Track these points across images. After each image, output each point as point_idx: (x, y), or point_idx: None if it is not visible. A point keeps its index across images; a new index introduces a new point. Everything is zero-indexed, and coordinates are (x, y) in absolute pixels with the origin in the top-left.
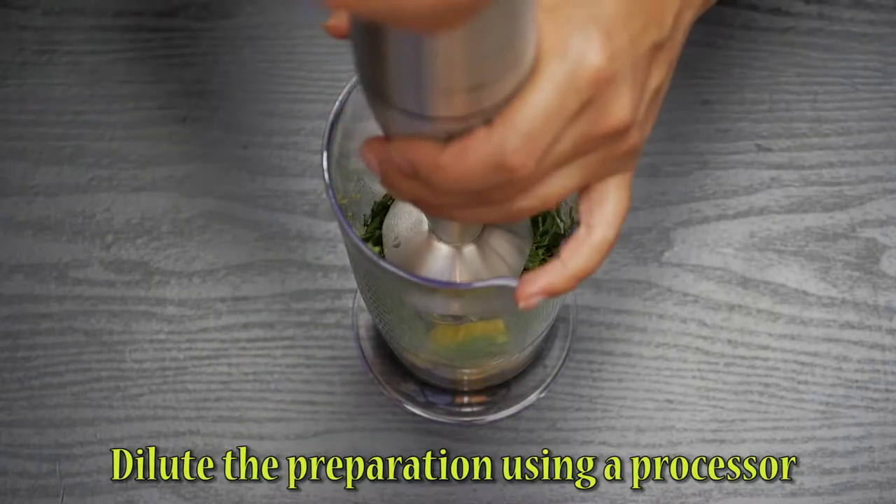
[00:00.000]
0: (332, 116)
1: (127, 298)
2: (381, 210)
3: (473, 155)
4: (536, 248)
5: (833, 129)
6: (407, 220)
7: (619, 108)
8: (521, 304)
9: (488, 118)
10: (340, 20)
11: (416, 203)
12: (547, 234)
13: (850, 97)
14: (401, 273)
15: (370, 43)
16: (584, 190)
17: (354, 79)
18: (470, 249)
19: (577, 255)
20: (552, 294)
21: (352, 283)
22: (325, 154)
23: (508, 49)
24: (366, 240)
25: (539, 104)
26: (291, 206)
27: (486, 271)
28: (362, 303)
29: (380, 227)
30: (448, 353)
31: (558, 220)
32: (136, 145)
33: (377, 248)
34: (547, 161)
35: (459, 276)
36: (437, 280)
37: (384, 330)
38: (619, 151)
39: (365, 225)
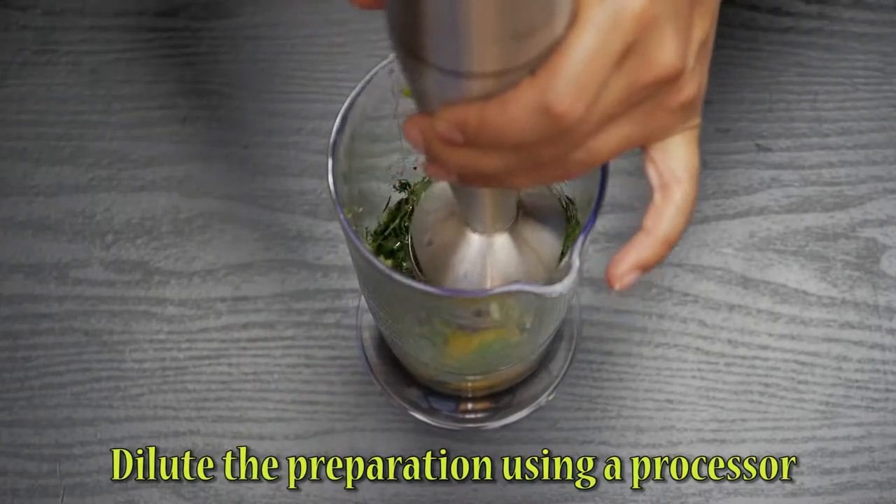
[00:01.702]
0: (333, 138)
1: (127, 298)
2: (382, 232)
3: (518, 102)
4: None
5: (833, 129)
6: (436, 216)
7: (665, 52)
8: (617, 286)
9: (531, 71)
10: None
11: (466, 176)
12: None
13: (850, 97)
14: (411, 284)
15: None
16: (645, 153)
17: (346, 105)
18: (502, 240)
19: (660, 221)
20: (645, 268)
21: (351, 283)
22: (330, 172)
23: None
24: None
25: (583, 48)
26: (291, 206)
27: (518, 262)
28: (364, 305)
29: (383, 241)
30: (464, 361)
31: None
32: (136, 145)
33: (389, 262)
34: (596, 110)
35: (491, 269)
36: (452, 290)
37: (393, 341)
38: (674, 103)
39: (369, 240)
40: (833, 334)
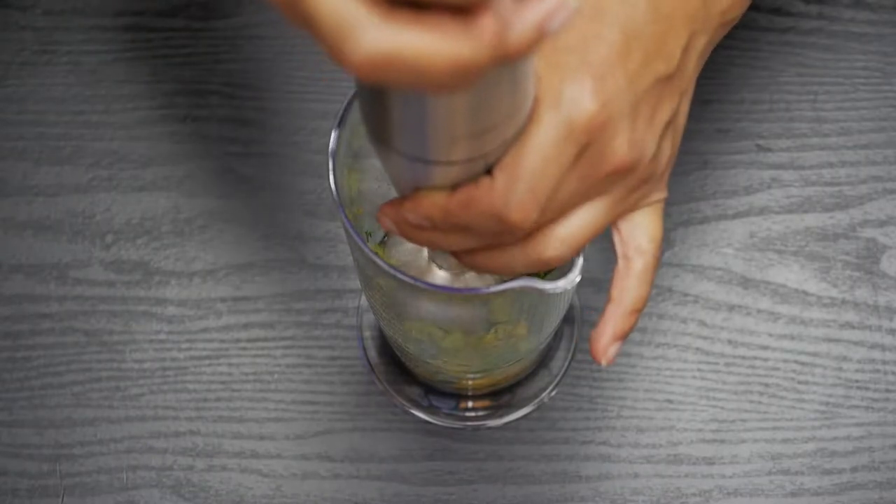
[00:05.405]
0: (333, 137)
1: (127, 298)
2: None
3: (477, 207)
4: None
5: (833, 129)
6: (405, 250)
7: (618, 148)
8: (604, 362)
9: (490, 161)
10: None
11: (435, 248)
12: None
13: (850, 97)
14: (414, 282)
15: (375, 98)
16: (613, 225)
17: (345, 105)
18: (469, 276)
19: (624, 290)
20: (623, 336)
21: (352, 283)
22: (331, 172)
23: (510, 99)
24: None
25: (537, 155)
26: (291, 206)
27: None
28: (365, 304)
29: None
30: (465, 359)
31: None
32: (136, 145)
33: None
34: (551, 207)
35: None
36: (455, 288)
37: (394, 340)
38: (634, 184)
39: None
40: (833, 334)
